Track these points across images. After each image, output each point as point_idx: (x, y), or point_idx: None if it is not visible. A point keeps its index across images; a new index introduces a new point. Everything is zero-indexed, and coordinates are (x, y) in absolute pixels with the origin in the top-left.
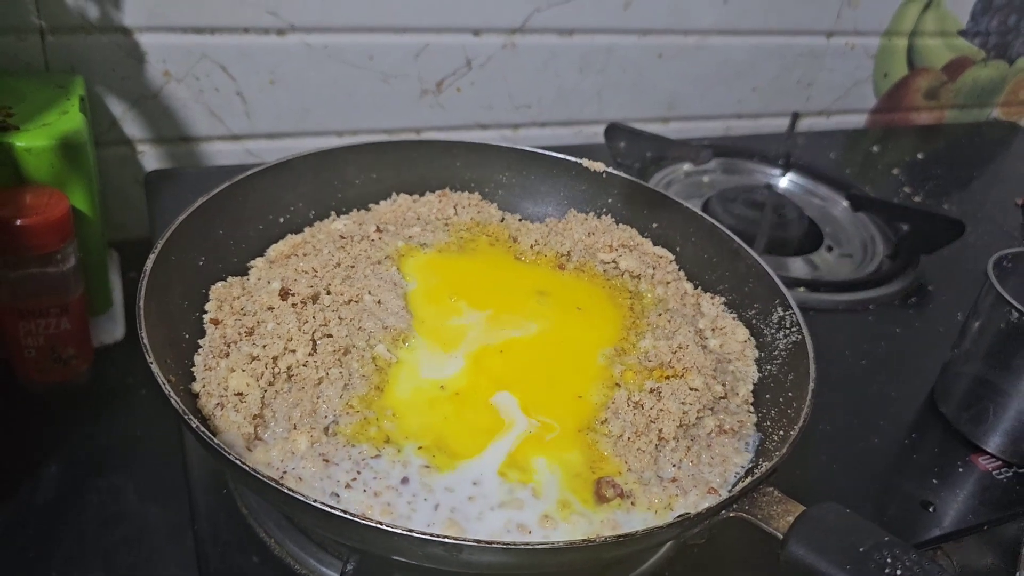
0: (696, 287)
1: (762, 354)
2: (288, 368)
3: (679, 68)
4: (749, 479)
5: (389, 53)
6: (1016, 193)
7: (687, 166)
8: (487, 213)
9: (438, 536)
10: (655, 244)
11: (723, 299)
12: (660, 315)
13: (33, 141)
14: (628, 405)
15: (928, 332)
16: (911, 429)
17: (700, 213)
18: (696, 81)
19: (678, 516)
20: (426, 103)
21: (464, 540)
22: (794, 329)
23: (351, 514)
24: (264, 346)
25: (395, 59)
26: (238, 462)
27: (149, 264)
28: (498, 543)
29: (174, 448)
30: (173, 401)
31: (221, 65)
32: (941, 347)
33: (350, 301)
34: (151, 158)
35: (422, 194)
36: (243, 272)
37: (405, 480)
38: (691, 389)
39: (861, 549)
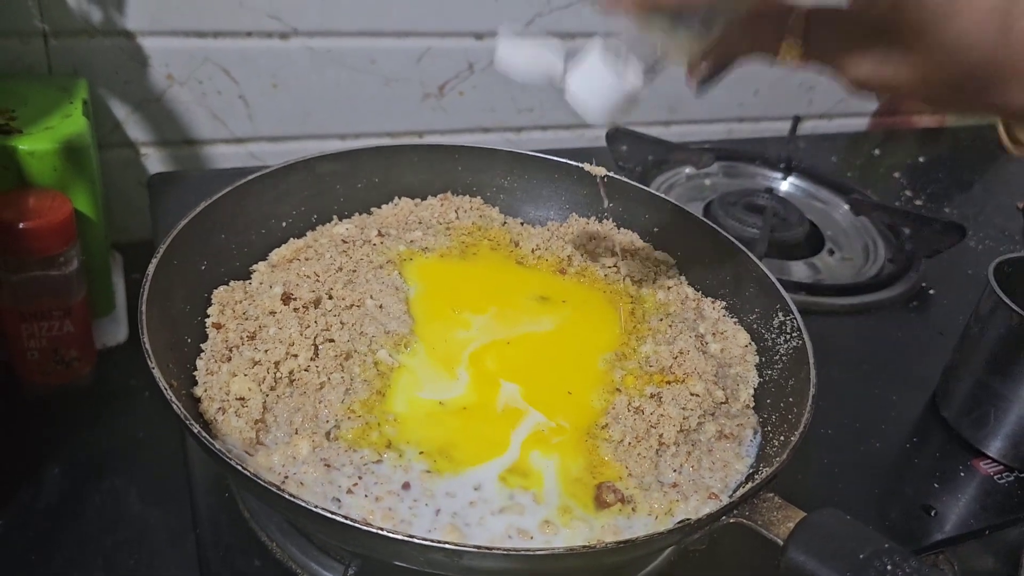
0: (697, 291)
1: (763, 359)
2: (290, 373)
3: (680, 72)
4: (750, 484)
5: (391, 57)
6: (1017, 197)
7: (689, 170)
8: (489, 217)
9: (439, 542)
10: (656, 248)
11: (724, 303)
12: (661, 320)
13: (36, 144)
14: (628, 410)
15: (929, 336)
16: (912, 433)
17: (701, 217)
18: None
19: (679, 522)
20: (428, 106)
21: (465, 546)
22: (795, 334)
23: (352, 520)
24: (266, 350)
25: (397, 63)
26: (239, 467)
27: (151, 269)
28: (499, 549)
29: (176, 451)
30: (175, 406)
31: (224, 69)
32: (942, 351)
33: (352, 306)
34: (154, 161)
35: (424, 198)
36: (245, 276)
37: (406, 485)
38: (692, 394)
39: (861, 556)
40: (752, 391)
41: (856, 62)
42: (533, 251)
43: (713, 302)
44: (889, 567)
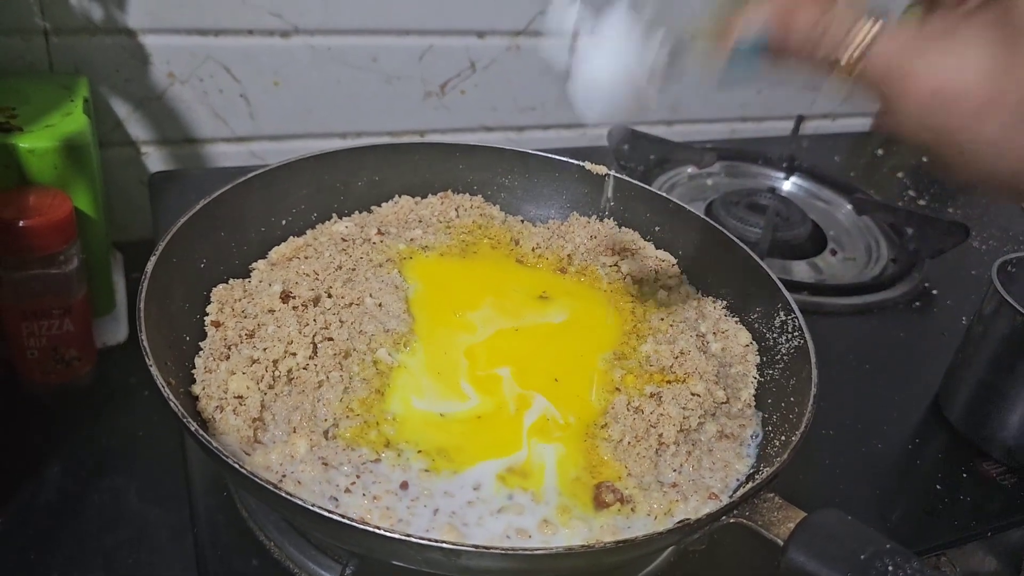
0: (698, 291)
1: (764, 358)
2: (288, 371)
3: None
4: (750, 485)
5: (393, 55)
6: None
7: (691, 169)
8: (489, 215)
9: (437, 541)
10: (657, 248)
11: (725, 303)
12: (662, 319)
13: (37, 142)
14: (628, 409)
15: (932, 337)
16: (915, 434)
17: (703, 216)
18: (700, 84)
19: (678, 522)
20: (430, 105)
21: (463, 546)
22: (796, 334)
23: (350, 519)
24: (265, 349)
25: (399, 61)
26: (237, 466)
27: (150, 266)
28: (497, 548)
29: (175, 450)
30: (172, 404)
31: (225, 67)
32: (945, 352)
33: (351, 304)
34: (155, 159)
35: (424, 196)
36: (245, 274)
37: (404, 484)
38: (692, 394)
39: (862, 556)
40: (753, 391)
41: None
42: (533, 250)
43: (714, 301)
44: (891, 568)
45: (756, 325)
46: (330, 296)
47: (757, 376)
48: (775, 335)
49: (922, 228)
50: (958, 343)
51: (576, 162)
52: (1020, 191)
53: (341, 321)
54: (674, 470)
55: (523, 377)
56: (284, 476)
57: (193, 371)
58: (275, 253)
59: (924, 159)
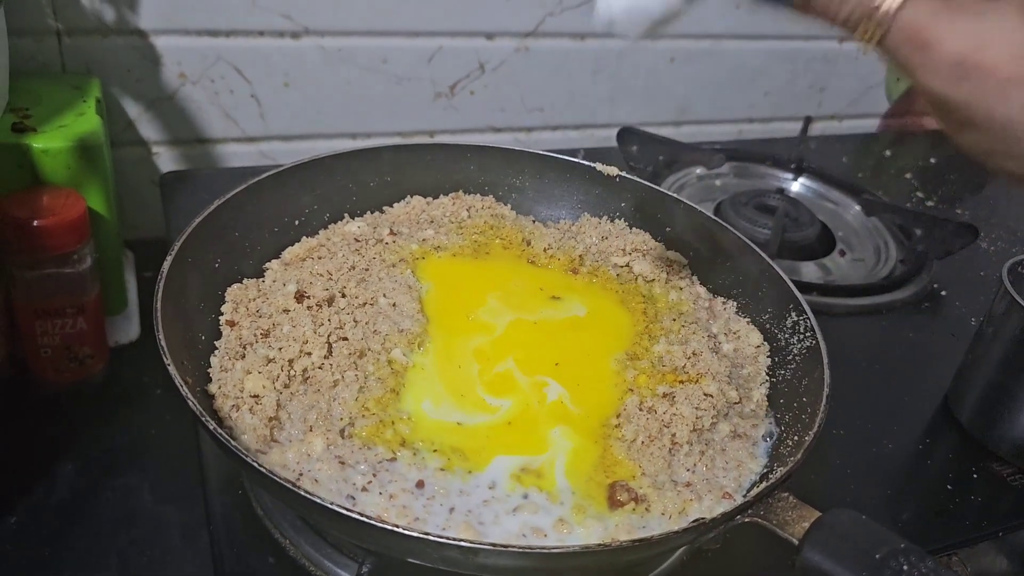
0: (709, 291)
1: (776, 359)
2: (304, 370)
3: (691, 72)
4: (764, 484)
5: (402, 56)
6: None
7: (699, 170)
8: (501, 216)
9: (455, 539)
10: (668, 248)
11: (736, 303)
12: (674, 320)
13: (50, 142)
14: (641, 409)
15: (942, 337)
16: (925, 435)
17: (713, 217)
18: (708, 85)
19: (694, 521)
20: (439, 106)
21: (481, 544)
22: (808, 334)
23: (367, 517)
24: (280, 348)
25: (408, 62)
26: (256, 464)
27: (166, 266)
28: (515, 547)
29: (189, 448)
30: (191, 403)
31: (236, 67)
32: (955, 353)
33: (365, 304)
34: (166, 159)
35: (436, 197)
36: (259, 274)
37: (421, 483)
38: (705, 395)
39: (877, 556)
40: (765, 391)
41: None
42: (545, 250)
43: (725, 302)
44: (905, 567)
45: (767, 325)
46: (344, 296)
47: (769, 376)
48: (787, 336)
49: (931, 229)
50: (967, 344)
51: (587, 163)
52: None
53: (355, 321)
54: (688, 470)
55: (534, 375)
56: (301, 474)
57: (209, 370)
58: (289, 253)
59: (932, 160)
